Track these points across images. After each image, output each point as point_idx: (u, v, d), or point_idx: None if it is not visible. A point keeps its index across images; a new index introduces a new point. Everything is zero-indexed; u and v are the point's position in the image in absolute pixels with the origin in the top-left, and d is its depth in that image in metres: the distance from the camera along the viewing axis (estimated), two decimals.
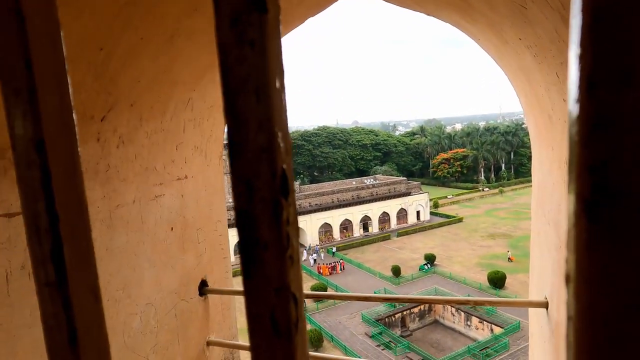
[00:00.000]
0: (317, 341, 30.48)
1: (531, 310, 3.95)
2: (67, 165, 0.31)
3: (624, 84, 0.18)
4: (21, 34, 0.27)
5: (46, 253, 0.30)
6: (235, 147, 0.25)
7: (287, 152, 0.25)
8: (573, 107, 0.20)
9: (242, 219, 0.26)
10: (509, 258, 45.53)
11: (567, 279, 0.22)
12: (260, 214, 0.25)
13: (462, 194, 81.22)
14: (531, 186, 4.00)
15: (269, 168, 0.25)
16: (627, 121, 0.18)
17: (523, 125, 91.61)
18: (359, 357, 28.63)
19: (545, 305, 2.61)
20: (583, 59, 0.19)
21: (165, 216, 2.74)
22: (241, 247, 0.27)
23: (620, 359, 0.19)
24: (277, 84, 0.24)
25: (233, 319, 3.71)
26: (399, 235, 57.89)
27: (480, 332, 33.06)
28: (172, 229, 2.82)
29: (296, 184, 63.76)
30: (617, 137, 0.19)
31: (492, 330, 32.40)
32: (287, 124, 0.26)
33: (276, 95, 0.25)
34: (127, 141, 2.41)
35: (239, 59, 0.24)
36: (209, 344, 3.17)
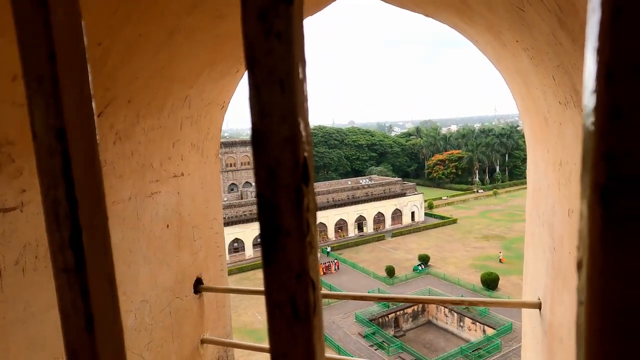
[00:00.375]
0: None
1: (524, 311, 3.98)
2: (87, 154, 0.31)
3: None
4: (46, 25, 0.28)
5: (65, 239, 0.31)
6: (259, 137, 0.26)
7: (308, 141, 0.26)
8: (589, 100, 0.21)
9: (264, 206, 0.27)
10: (499, 259, 45.87)
11: (579, 266, 0.23)
12: (282, 201, 0.26)
13: (457, 195, 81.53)
14: (525, 188, 4.02)
15: (292, 156, 0.26)
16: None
17: (518, 128, 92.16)
18: (353, 357, 28.66)
19: (538, 306, 2.63)
20: (601, 52, 0.20)
21: (161, 213, 2.71)
22: (262, 234, 0.27)
23: (631, 343, 0.20)
24: (300, 75, 0.25)
25: (227, 317, 3.71)
26: (394, 235, 58.02)
27: (473, 333, 33.22)
28: (167, 226, 2.81)
29: None
30: (633, 127, 0.20)
31: (484, 331, 32.57)
32: (308, 114, 0.26)
33: (299, 86, 0.25)
34: (123, 137, 2.40)
35: (266, 51, 0.25)
36: (203, 342, 3.16)
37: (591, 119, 0.21)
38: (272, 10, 0.25)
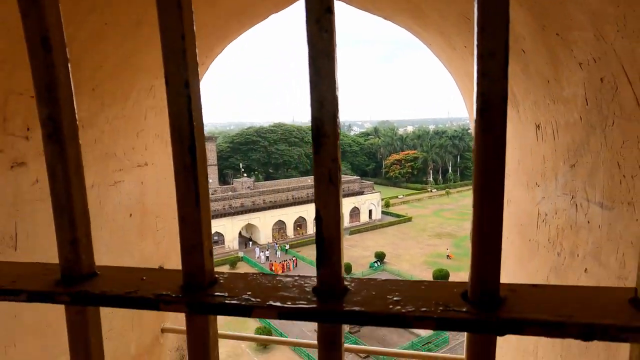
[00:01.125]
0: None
1: None
2: (198, 96, 0.51)
3: (493, 82, 0.43)
4: (180, 18, 0.47)
5: (185, 150, 0.50)
6: (315, 85, 0.48)
7: (338, 87, 0.48)
8: (475, 97, 0.44)
9: (317, 123, 0.48)
10: (447, 255, 48.24)
11: (473, 152, 0.45)
12: (326, 120, 0.48)
13: (412, 194, 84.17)
14: None
15: (332, 95, 0.47)
16: (489, 98, 0.43)
17: (469, 130, 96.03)
18: (308, 354, 28.95)
19: None
20: (478, 58, 0.43)
21: (124, 202, 2.72)
22: (314, 137, 0.48)
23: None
24: (336, 53, 0.46)
25: None
26: (352, 233, 59.05)
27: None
28: (130, 215, 2.79)
29: (251, 180, 63.05)
30: (490, 82, 0.43)
31: None
32: (338, 77, 0.48)
33: (336, 59, 0.46)
34: (87, 125, 2.38)
35: (319, 39, 0.46)
36: (163, 331, 3.18)
37: (475, 102, 0.44)
38: (323, 17, 0.46)
